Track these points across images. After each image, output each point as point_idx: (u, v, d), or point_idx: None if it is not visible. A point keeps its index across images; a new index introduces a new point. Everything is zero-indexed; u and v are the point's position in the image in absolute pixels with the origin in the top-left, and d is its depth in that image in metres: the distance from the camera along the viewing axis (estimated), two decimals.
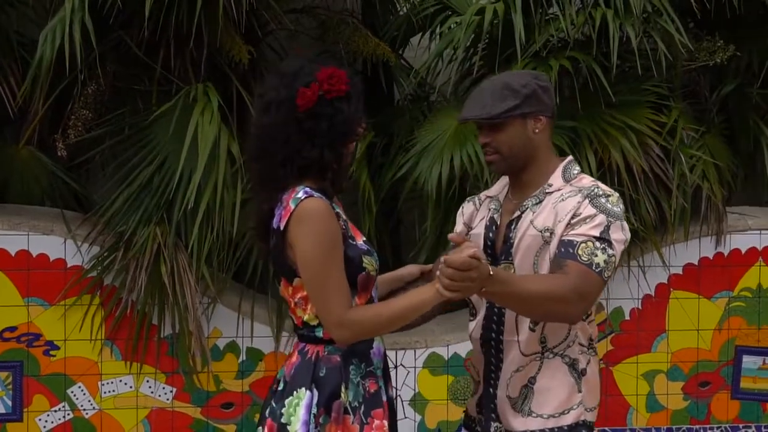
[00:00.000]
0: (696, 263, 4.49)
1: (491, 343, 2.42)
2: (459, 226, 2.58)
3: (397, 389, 4.25)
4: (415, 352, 4.32)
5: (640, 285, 4.46)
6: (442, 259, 2.09)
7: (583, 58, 4.21)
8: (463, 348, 4.35)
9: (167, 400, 4.24)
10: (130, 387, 4.21)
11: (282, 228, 2.22)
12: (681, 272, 4.50)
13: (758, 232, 4.57)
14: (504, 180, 2.54)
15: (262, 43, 4.56)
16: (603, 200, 2.29)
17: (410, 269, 2.61)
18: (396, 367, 4.29)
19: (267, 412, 2.36)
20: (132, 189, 4.12)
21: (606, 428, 4.42)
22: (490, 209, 2.48)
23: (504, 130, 2.35)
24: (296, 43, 4.75)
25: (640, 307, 4.47)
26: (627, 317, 4.47)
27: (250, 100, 4.19)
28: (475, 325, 2.48)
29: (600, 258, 2.23)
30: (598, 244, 2.23)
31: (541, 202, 2.36)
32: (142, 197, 4.12)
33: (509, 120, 2.33)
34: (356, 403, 2.26)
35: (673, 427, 4.51)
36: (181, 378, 4.23)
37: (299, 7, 4.64)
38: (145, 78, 4.25)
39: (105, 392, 4.20)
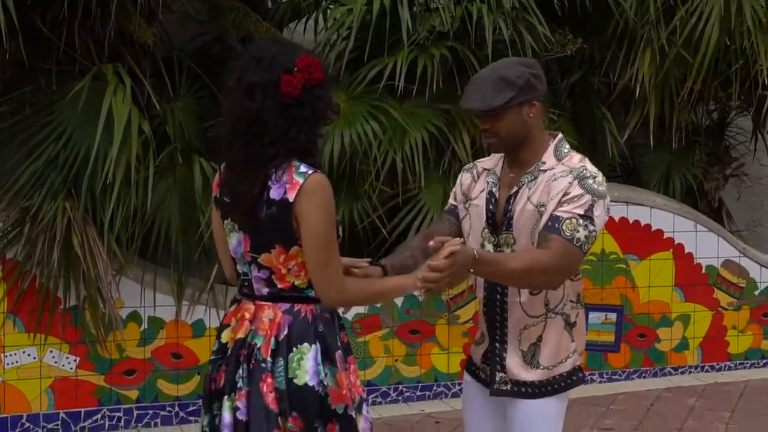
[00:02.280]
0: None
1: (496, 303, 2.70)
2: (459, 195, 2.82)
3: None
4: None
5: None
6: (426, 264, 2.35)
7: (459, 47, 4.66)
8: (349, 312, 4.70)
9: (71, 369, 4.37)
10: (34, 358, 4.32)
11: (292, 200, 2.37)
12: None
13: None
14: (499, 153, 2.79)
15: (153, 25, 4.71)
16: (590, 181, 2.56)
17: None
18: None
19: (252, 373, 2.44)
20: (37, 165, 4.21)
21: None
22: (488, 182, 2.73)
23: (502, 118, 2.59)
24: (185, 27, 4.93)
25: None
26: None
27: (144, 80, 4.37)
28: (477, 286, 2.75)
29: (581, 233, 2.52)
30: (581, 221, 2.52)
31: (536, 179, 2.63)
32: (47, 173, 4.22)
33: (507, 109, 2.58)
34: (340, 352, 2.53)
35: None
36: (84, 347, 4.37)
37: None
38: (47, 56, 4.32)
39: (8, 364, 4.28)
